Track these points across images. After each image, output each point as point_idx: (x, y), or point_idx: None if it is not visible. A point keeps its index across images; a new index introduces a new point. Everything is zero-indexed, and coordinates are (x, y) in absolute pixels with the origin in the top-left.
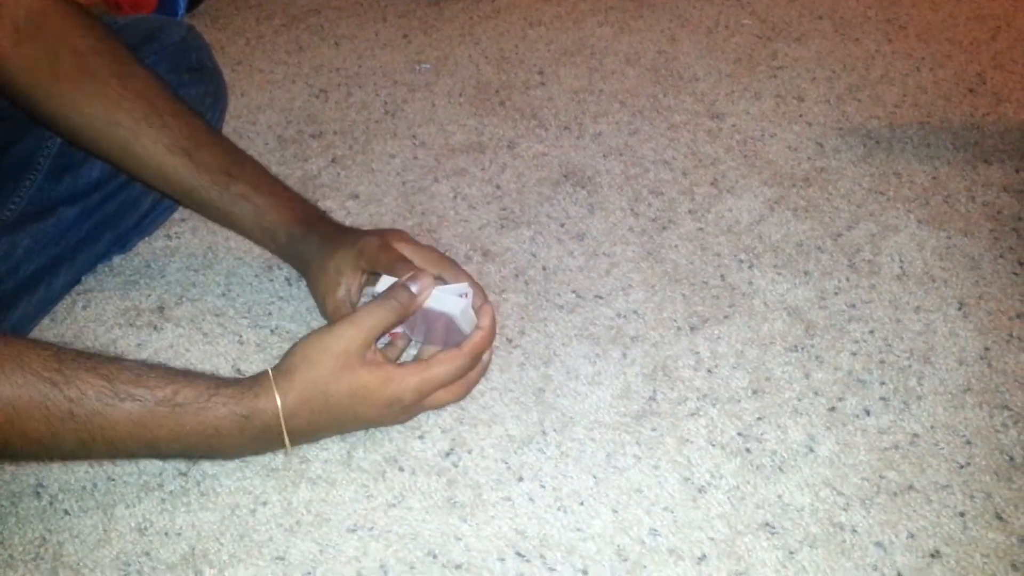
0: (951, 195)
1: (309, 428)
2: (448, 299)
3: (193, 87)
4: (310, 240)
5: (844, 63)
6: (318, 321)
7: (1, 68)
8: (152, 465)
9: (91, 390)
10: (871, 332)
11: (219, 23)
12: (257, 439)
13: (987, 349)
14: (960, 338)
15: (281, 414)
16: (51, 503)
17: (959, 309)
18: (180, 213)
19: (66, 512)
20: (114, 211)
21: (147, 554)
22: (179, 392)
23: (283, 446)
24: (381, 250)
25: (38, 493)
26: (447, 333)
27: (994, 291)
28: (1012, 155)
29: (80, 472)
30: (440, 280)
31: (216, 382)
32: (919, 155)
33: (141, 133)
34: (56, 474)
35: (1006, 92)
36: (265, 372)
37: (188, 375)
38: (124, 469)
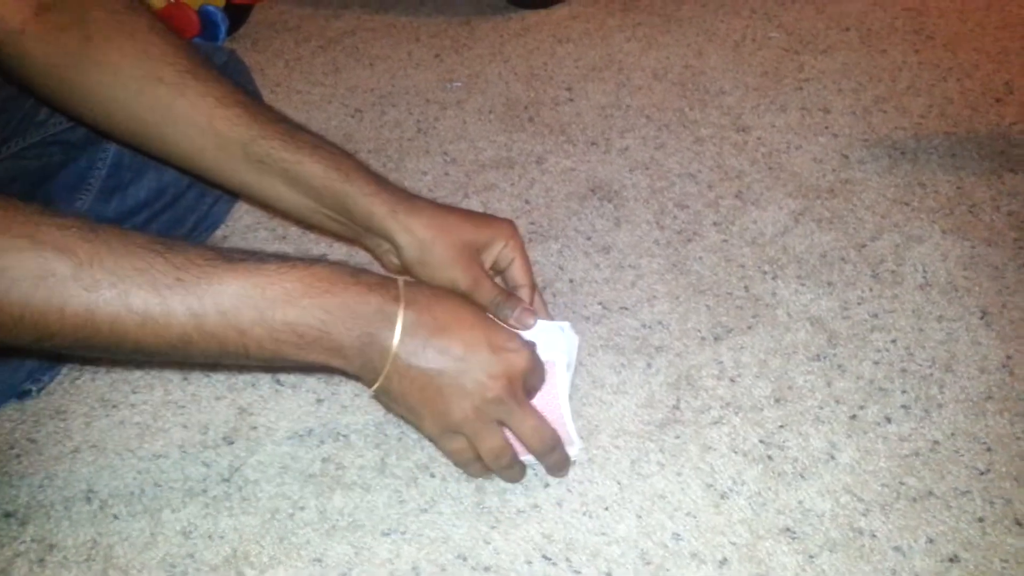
0: (976, 205)
1: (417, 349)
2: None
3: None
4: (415, 210)
5: (870, 74)
6: None
7: (22, 42)
8: (196, 471)
9: (199, 258)
10: (893, 341)
11: (259, 46)
12: (364, 336)
13: (1009, 357)
14: (982, 347)
15: (401, 307)
16: (101, 508)
17: (981, 318)
18: (222, 231)
19: (115, 516)
20: (161, 230)
21: (191, 556)
22: (288, 261)
23: (377, 375)
24: (514, 262)
25: (89, 498)
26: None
27: (1017, 300)
28: None
29: (128, 478)
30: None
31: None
32: (944, 165)
33: (187, 87)
34: (106, 480)
35: None
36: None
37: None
38: (170, 476)
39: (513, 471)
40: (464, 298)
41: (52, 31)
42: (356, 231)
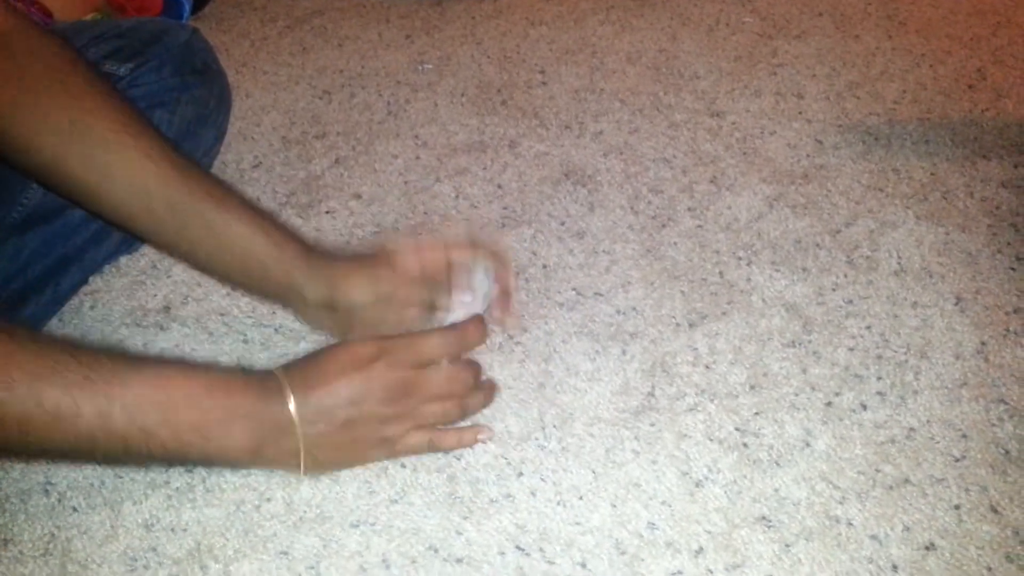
0: (949, 191)
1: (324, 436)
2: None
3: (197, 89)
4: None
5: (844, 60)
6: None
7: None
8: None
9: (106, 359)
10: (868, 328)
11: (224, 25)
12: (268, 439)
13: (984, 344)
14: (957, 333)
15: (295, 409)
16: (60, 500)
17: (956, 304)
18: None
19: (74, 509)
20: None
21: (154, 549)
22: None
23: (296, 457)
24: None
25: (47, 491)
26: None
27: (991, 286)
28: (1011, 151)
29: (88, 470)
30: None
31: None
32: (918, 151)
33: (121, 144)
34: (64, 472)
35: (1006, 88)
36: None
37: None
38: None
39: (476, 398)
40: (332, 348)
41: None
42: (275, 291)
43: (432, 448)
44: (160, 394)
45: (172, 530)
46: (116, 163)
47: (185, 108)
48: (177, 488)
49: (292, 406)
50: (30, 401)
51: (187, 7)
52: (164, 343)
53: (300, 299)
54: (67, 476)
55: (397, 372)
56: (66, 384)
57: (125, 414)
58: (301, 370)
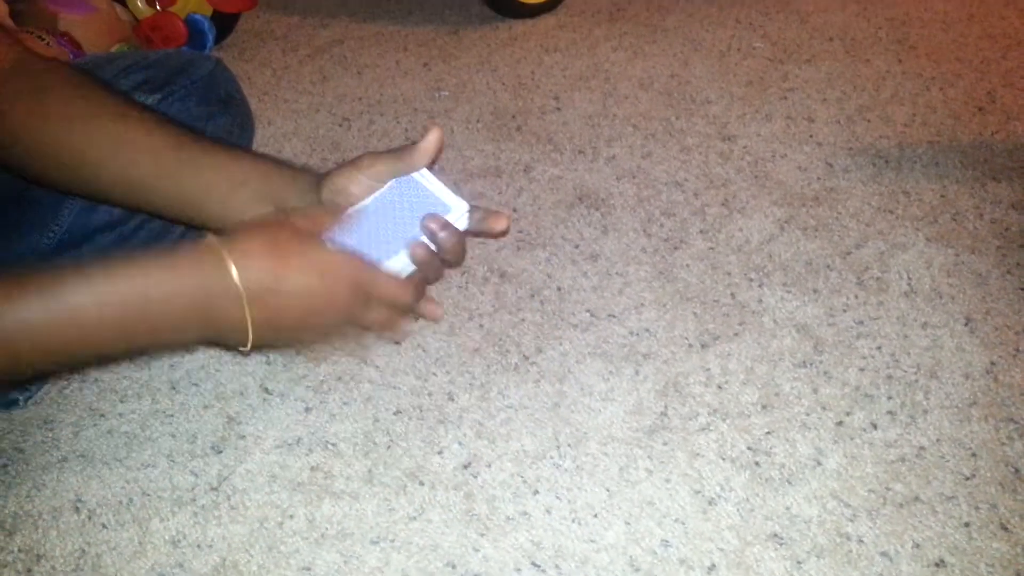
0: (959, 213)
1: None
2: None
3: (221, 118)
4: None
5: (854, 84)
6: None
7: None
8: (184, 480)
9: (47, 268)
10: (879, 348)
11: (246, 55)
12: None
13: (993, 364)
14: (967, 353)
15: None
16: (89, 517)
17: (966, 325)
18: None
19: (104, 526)
20: (149, 238)
21: (180, 565)
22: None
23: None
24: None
25: (77, 508)
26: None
27: (1001, 307)
28: (1021, 172)
29: (116, 488)
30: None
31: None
32: (928, 174)
33: (128, 119)
34: (94, 489)
35: (1016, 110)
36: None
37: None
38: (158, 485)
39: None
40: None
41: (12, 97)
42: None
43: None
44: (104, 285)
45: (198, 546)
46: (124, 136)
47: (211, 136)
48: (203, 506)
49: (235, 276)
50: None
51: (210, 37)
52: (189, 365)
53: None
54: (97, 494)
55: (354, 270)
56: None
57: (69, 312)
58: (239, 236)
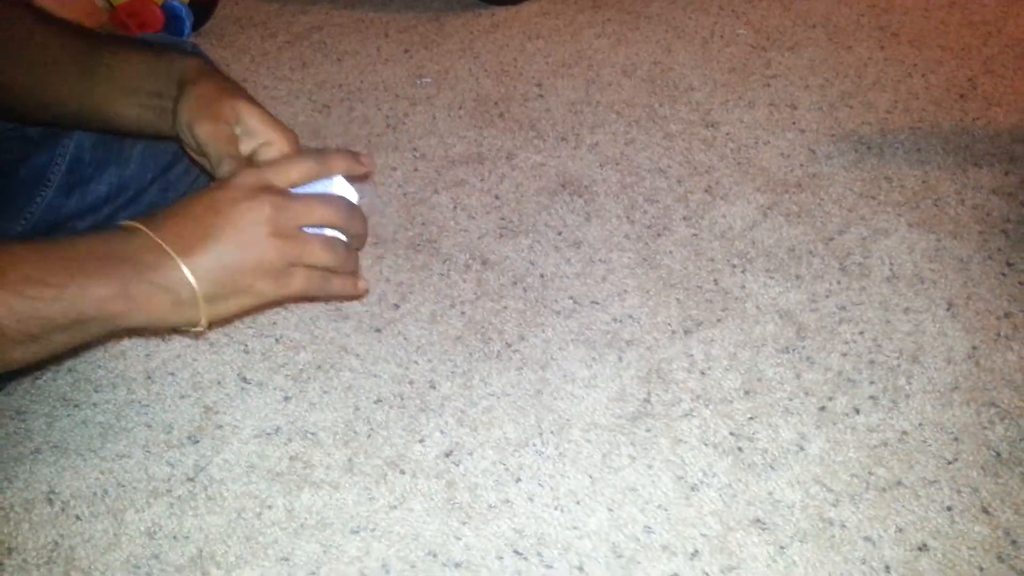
0: (941, 198)
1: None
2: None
3: None
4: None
5: (837, 70)
6: (321, 330)
7: None
8: (160, 471)
9: None
10: (861, 333)
11: (224, 41)
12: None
13: (975, 348)
14: (949, 338)
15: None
16: (63, 509)
17: (948, 310)
18: None
19: (78, 517)
20: None
21: (156, 557)
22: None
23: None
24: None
25: (50, 500)
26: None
27: (982, 292)
28: (1002, 158)
29: (91, 479)
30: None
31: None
32: (910, 160)
33: (34, 32)
34: (68, 480)
35: (996, 96)
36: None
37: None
38: (134, 476)
39: (352, 256)
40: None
41: None
42: (165, 106)
43: (321, 288)
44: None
45: (174, 538)
46: (33, 48)
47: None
48: (179, 496)
49: (186, 270)
50: None
51: (188, 24)
52: (165, 354)
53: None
54: (71, 485)
55: (280, 211)
56: None
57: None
58: (158, 216)
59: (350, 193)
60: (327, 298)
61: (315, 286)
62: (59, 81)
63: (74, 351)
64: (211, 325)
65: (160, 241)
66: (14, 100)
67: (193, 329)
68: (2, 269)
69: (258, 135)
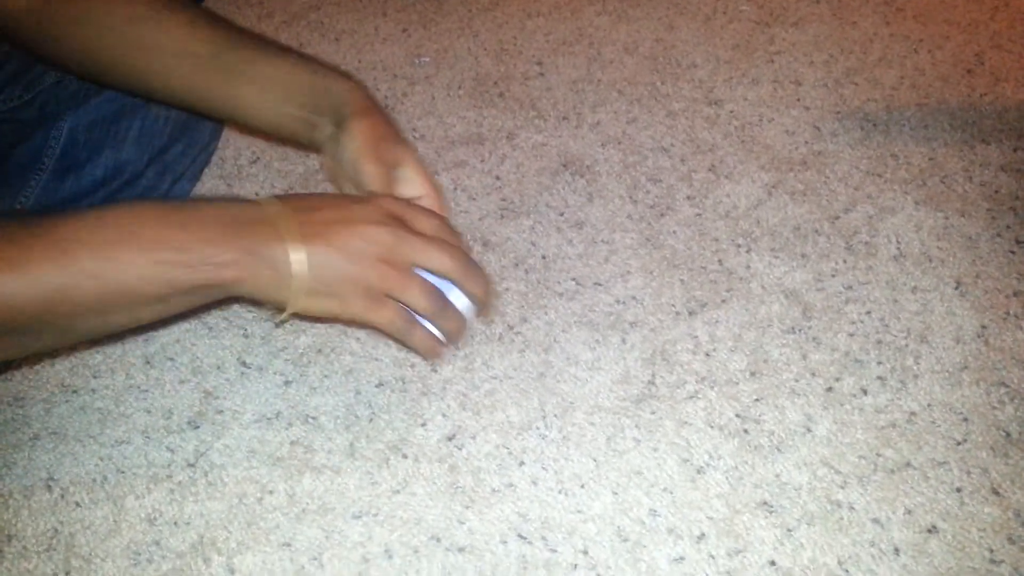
0: (948, 175)
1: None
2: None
3: None
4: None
5: (842, 47)
6: None
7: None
8: (160, 456)
9: (51, 215)
10: (868, 313)
11: None
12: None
13: (984, 327)
14: (957, 317)
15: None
16: (62, 496)
17: (956, 288)
18: None
19: (77, 504)
20: None
21: (157, 543)
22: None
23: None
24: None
25: (49, 486)
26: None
27: (991, 270)
28: (1010, 134)
29: (90, 465)
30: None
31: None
32: (916, 136)
33: (161, 18)
34: (67, 467)
35: (1004, 72)
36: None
37: None
38: (133, 462)
39: (448, 315)
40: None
41: None
42: (316, 122)
43: (402, 331)
44: (128, 220)
45: (175, 524)
46: (159, 36)
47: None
48: (180, 482)
49: (288, 227)
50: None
51: None
52: (165, 338)
53: (338, 123)
54: (70, 472)
55: (400, 241)
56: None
57: (90, 254)
58: (289, 198)
59: (464, 306)
60: (403, 344)
61: (398, 327)
62: (190, 72)
63: (191, 312)
64: (295, 315)
65: (287, 219)
66: (129, 82)
67: (279, 315)
68: (134, 231)
69: (414, 186)
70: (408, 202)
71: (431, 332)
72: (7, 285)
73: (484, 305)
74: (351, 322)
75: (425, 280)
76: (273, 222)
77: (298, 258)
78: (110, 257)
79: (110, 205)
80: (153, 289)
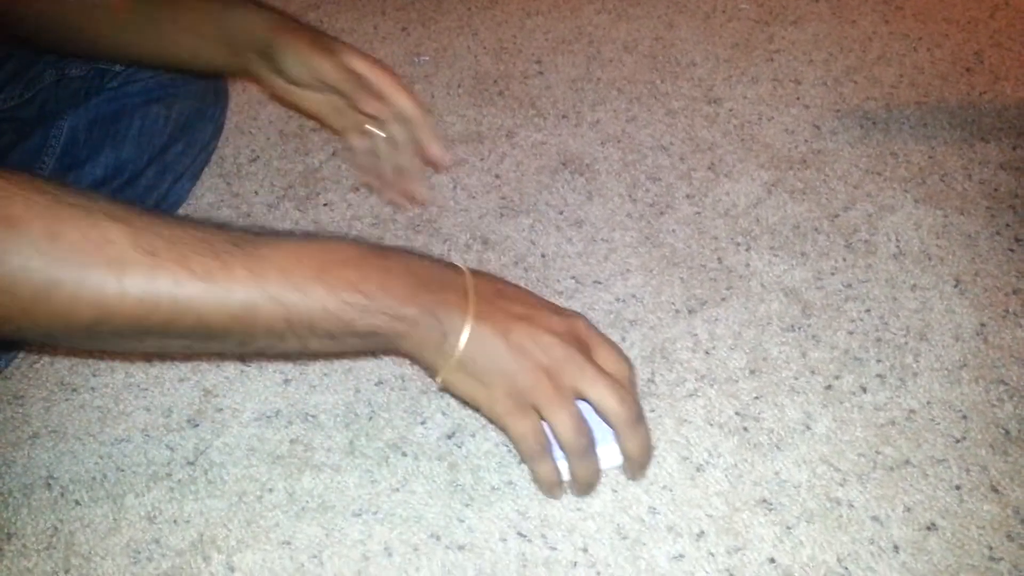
0: (948, 174)
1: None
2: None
3: (194, 84)
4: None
5: (841, 45)
6: None
7: None
8: (160, 455)
9: (248, 229)
10: (867, 311)
11: None
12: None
13: (983, 325)
14: (956, 315)
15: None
16: (62, 494)
17: (955, 286)
18: (183, 210)
19: (77, 502)
20: None
21: (157, 541)
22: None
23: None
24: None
25: (49, 485)
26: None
27: (990, 268)
28: (1009, 133)
29: (90, 463)
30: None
31: None
32: (916, 135)
33: None
34: (66, 465)
35: (1004, 70)
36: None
37: None
38: (133, 460)
39: (588, 462)
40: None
41: None
42: (241, 56)
43: (530, 451)
44: (315, 252)
45: (175, 522)
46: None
47: (182, 103)
48: (179, 480)
49: (471, 293)
50: (178, 266)
51: None
52: None
53: (266, 58)
54: (69, 470)
55: (568, 361)
56: (214, 251)
57: (281, 274)
58: (480, 272)
59: (609, 460)
60: (525, 462)
61: (530, 445)
62: (113, 25)
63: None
64: (442, 385)
65: (478, 296)
66: (60, 39)
67: (433, 377)
68: (326, 265)
69: (362, 67)
70: (602, 336)
71: (559, 469)
72: (203, 295)
73: (636, 470)
74: (488, 416)
75: (581, 413)
76: (466, 293)
77: (464, 330)
78: (300, 288)
79: (316, 238)
80: (330, 325)
